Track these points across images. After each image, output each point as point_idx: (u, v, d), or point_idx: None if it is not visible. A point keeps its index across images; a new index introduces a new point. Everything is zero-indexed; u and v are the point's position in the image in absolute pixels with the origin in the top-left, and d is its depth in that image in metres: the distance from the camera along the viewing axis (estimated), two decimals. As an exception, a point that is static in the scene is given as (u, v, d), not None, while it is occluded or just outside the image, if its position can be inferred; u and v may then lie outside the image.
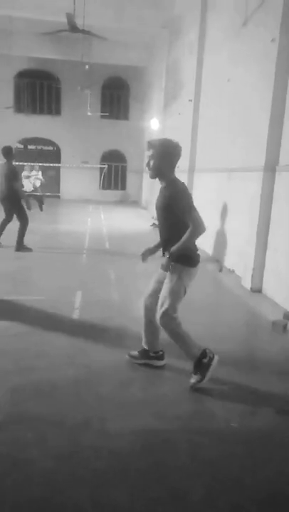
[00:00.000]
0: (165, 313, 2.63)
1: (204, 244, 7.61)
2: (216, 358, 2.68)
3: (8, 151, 6.54)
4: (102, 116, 18.29)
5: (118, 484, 1.81)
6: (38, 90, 19.02)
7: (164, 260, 2.65)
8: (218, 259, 6.62)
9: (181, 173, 9.43)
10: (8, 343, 3.20)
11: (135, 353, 2.96)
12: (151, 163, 2.64)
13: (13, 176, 6.47)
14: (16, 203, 6.62)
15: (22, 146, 19.16)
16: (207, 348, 2.72)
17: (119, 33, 13.85)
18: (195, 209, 2.55)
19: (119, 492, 1.77)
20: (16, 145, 19.04)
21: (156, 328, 2.84)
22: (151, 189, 14.67)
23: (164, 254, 2.74)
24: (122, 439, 2.12)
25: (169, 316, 2.64)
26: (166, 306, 2.63)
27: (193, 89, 8.60)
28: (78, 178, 18.91)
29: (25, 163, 13.75)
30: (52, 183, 17.90)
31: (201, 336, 3.54)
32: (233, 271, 5.94)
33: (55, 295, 4.46)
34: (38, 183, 13.02)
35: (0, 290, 4.50)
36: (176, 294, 2.65)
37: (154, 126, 13.51)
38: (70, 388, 2.58)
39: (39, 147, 19.30)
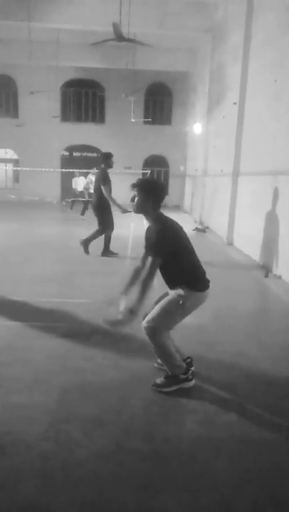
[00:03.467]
0: (149, 328, 2.55)
1: (249, 250, 7.46)
2: (192, 383, 2.67)
3: (103, 157, 6.64)
4: (145, 122, 18.49)
5: (164, 489, 1.81)
6: (84, 99, 19.59)
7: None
8: (264, 265, 6.45)
9: (224, 177, 9.36)
10: (56, 344, 3.29)
11: (161, 380, 2.71)
12: (136, 199, 2.61)
13: (102, 181, 6.50)
14: (101, 209, 6.66)
15: (68, 154, 19.78)
16: (191, 369, 2.70)
17: (163, 39, 13.99)
18: (159, 257, 2.49)
19: (166, 497, 1.76)
20: (62, 152, 19.73)
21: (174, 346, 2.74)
22: (193, 194, 14.60)
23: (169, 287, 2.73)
24: (168, 445, 2.12)
25: (153, 330, 2.55)
26: (152, 324, 2.54)
27: (238, 92, 8.48)
28: (121, 184, 19.17)
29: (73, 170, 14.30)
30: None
31: (243, 343, 3.48)
32: (280, 277, 5.76)
33: (100, 298, 4.54)
34: (90, 189, 13.35)
35: (47, 293, 4.65)
36: (169, 317, 2.59)
37: (197, 130, 13.45)
38: (115, 391, 2.62)
39: (84, 154, 19.84)
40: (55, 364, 2.93)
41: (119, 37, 9.30)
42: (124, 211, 6.40)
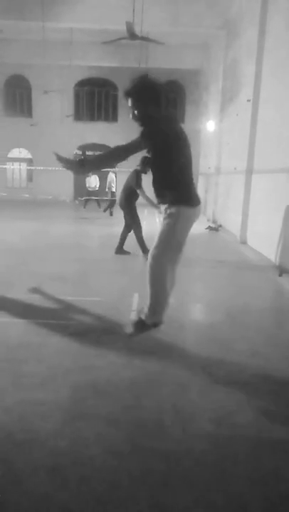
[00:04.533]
0: (153, 257, 2.48)
1: (263, 248, 7.38)
2: (156, 328, 2.61)
3: (143, 161, 6.50)
4: (158, 121, 18.44)
5: (179, 487, 1.80)
6: (97, 98, 19.66)
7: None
8: (278, 264, 6.38)
9: (238, 175, 9.28)
10: (68, 342, 3.31)
11: (131, 330, 2.71)
12: (136, 114, 2.33)
13: (137, 185, 6.48)
14: (129, 209, 6.68)
15: (81, 153, 19.89)
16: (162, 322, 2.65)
17: (176, 37, 13.93)
18: (143, 140, 2.24)
19: (181, 495, 1.76)
20: (74, 151, 19.84)
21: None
22: (206, 192, 14.51)
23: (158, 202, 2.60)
24: (180, 443, 2.11)
25: (156, 259, 2.47)
26: (155, 251, 2.46)
27: (252, 89, 8.40)
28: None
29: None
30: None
31: (258, 342, 3.44)
32: (294, 276, 5.69)
33: (113, 296, 4.56)
34: (112, 188, 13.41)
35: (61, 291, 4.68)
36: (168, 238, 2.47)
37: (210, 128, 13.36)
38: (127, 389, 2.62)
39: (96, 153, 19.90)
40: (68, 361, 2.94)
41: (132, 35, 9.30)
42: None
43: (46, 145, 19.02)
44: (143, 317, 2.64)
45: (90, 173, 14.46)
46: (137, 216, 6.75)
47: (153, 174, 2.53)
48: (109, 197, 13.24)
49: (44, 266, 5.96)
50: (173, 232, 2.46)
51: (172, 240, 2.49)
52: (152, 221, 6.54)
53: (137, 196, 6.59)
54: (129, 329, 2.65)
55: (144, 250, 6.58)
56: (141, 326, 2.62)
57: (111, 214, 12.83)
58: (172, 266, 2.61)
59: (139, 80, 2.34)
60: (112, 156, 2.38)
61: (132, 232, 6.82)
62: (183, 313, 4.23)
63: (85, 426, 2.22)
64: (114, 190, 13.47)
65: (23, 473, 1.87)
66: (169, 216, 2.48)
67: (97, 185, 14.36)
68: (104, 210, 13.11)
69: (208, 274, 5.94)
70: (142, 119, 2.35)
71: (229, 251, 7.97)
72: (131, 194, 6.58)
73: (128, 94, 2.36)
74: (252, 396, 2.59)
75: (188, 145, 2.53)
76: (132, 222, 6.74)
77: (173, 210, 2.45)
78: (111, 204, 13.10)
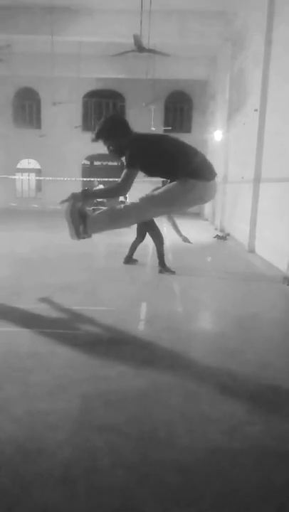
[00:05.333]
0: (144, 198, 2.49)
1: (272, 257, 7.34)
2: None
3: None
4: (165, 131, 18.59)
5: (188, 499, 1.78)
6: (104, 109, 19.90)
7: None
8: (287, 273, 6.33)
9: (245, 184, 9.27)
10: (77, 351, 3.31)
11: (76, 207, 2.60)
12: (111, 148, 2.47)
13: None
14: (150, 221, 6.32)
15: (89, 163, 20.08)
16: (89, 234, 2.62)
17: (182, 49, 14.11)
18: (133, 168, 2.34)
19: (190, 507, 1.74)
20: (83, 162, 20.04)
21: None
22: (213, 200, 14.51)
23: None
24: (190, 454, 2.09)
25: (144, 200, 2.47)
26: (150, 195, 2.48)
27: (258, 99, 8.44)
28: (141, 192, 19.32)
29: (93, 179, 14.62)
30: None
31: (268, 353, 3.41)
32: (303, 285, 5.64)
33: (121, 306, 4.56)
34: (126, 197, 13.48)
35: (68, 300, 4.70)
36: (168, 198, 2.48)
37: (218, 137, 13.43)
38: (137, 399, 2.60)
39: (104, 163, 20.10)
40: (77, 371, 2.94)
41: (140, 48, 9.44)
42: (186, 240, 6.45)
43: (55, 156, 19.31)
44: (90, 213, 2.57)
45: (96, 182, 14.59)
46: (157, 227, 6.48)
47: (161, 176, 2.64)
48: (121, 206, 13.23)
49: (53, 275, 5.98)
50: (177, 197, 2.50)
51: (171, 201, 2.53)
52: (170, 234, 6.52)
53: None
54: (74, 207, 2.56)
55: (161, 263, 6.34)
56: (81, 215, 2.56)
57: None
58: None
59: (102, 121, 2.53)
60: (116, 193, 2.50)
61: (142, 242, 6.75)
62: (192, 323, 4.22)
63: (94, 436, 2.21)
64: (127, 200, 13.46)
65: (31, 484, 1.86)
66: (183, 183, 2.47)
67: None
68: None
69: (216, 283, 5.91)
70: (119, 149, 2.51)
71: (237, 260, 7.94)
72: None
73: (98, 136, 2.52)
74: (263, 407, 2.56)
75: (170, 138, 2.62)
76: (153, 235, 6.44)
77: (189, 180, 2.48)
78: None
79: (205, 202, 2.63)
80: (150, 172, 2.55)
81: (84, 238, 2.63)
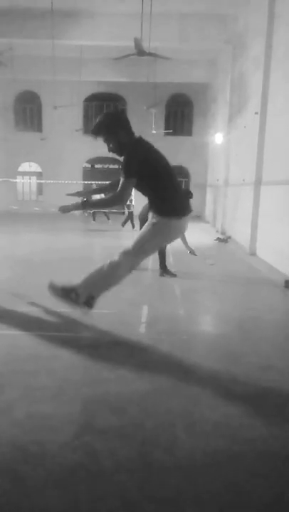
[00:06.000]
0: (126, 253, 2.54)
1: (273, 260, 7.34)
2: (83, 310, 2.68)
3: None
4: (166, 134, 18.63)
5: (190, 503, 1.77)
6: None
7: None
8: (287, 278, 6.32)
9: (246, 187, 9.29)
10: (79, 354, 3.30)
11: (60, 286, 2.69)
12: (111, 146, 2.45)
13: None
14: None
15: (89, 166, 20.12)
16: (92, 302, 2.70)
17: (183, 52, 14.16)
18: (129, 176, 2.33)
19: (192, 511, 1.73)
20: (84, 165, 20.09)
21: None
22: (215, 203, 14.53)
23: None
24: (192, 458, 2.08)
25: (128, 260, 2.55)
26: (131, 249, 2.52)
27: (259, 101, 8.46)
28: (142, 195, 19.33)
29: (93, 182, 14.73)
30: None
31: (270, 355, 3.40)
32: (305, 287, 5.63)
33: (123, 309, 4.55)
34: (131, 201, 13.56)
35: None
36: (147, 245, 2.53)
37: (218, 140, 13.45)
38: (138, 402, 2.59)
39: (105, 166, 20.13)
40: (78, 374, 2.93)
41: (141, 52, 9.47)
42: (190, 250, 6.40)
43: (56, 159, 19.35)
44: (76, 287, 2.60)
45: (94, 185, 14.70)
46: None
47: (142, 192, 2.60)
48: (126, 210, 12.96)
49: (55, 278, 5.97)
50: (153, 241, 2.55)
51: (149, 248, 2.58)
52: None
53: None
54: (60, 286, 2.62)
55: (162, 266, 6.34)
56: (68, 293, 2.60)
57: (133, 226, 12.41)
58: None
59: (102, 116, 2.50)
60: (115, 203, 2.51)
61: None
62: (193, 325, 4.22)
63: (95, 440, 2.20)
64: (132, 203, 13.29)
65: (32, 487, 1.85)
66: (154, 224, 2.52)
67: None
68: (123, 224, 12.95)
69: (217, 285, 5.90)
70: (119, 147, 2.48)
71: (238, 262, 7.93)
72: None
73: (97, 132, 2.49)
74: (264, 410, 2.55)
75: (163, 157, 2.61)
76: None
77: (159, 219, 2.51)
78: (130, 217, 12.82)
79: (182, 234, 2.68)
80: (140, 185, 2.49)
81: (88, 305, 2.66)
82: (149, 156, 2.47)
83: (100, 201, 2.51)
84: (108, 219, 14.41)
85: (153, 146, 2.59)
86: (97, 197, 2.63)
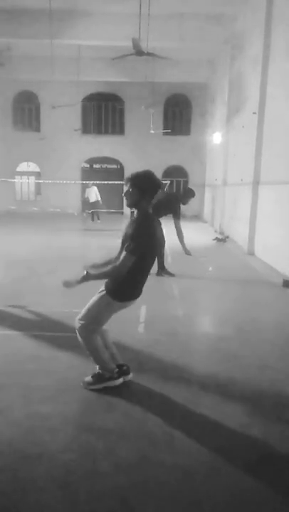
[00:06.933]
0: (80, 328, 2.68)
1: (271, 259, 7.35)
2: (118, 381, 2.73)
3: (187, 192, 6.46)
4: (164, 133, 18.62)
5: (188, 502, 1.78)
6: (104, 112, 19.94)
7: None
8: (286, 275, 6.34)
9: (244, 186, 9.31)
10: (77, 355, 3.31)
11: (89, 378, 2.80)
12: (130, 192, 2.58)
13: (177, 216, 6.22)
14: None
15: (88, 166, 20.10)
16: (121, 369, 2.76)
17: (181, 52, 14.15)
18: (134, 254, 2.47)
19: (190, 510, 1.74)
20: (82, 165, 20.06)
21: (107, 346, 2.84)
22: (213, 203, 14.54)
23: None
24: (191, 457, 2.09)
25: (83, 330, 2.67)
26: (83, 321, 2.68)
27: (257, 101, 8.47)
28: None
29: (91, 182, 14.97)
30: (116, 199, 18.41)
31: (269, 356, 3.41)
32: (302, 287, 5.65)
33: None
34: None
35: (70, 304, 4.69)
36: (95, 315, 2.68)
37: (217, 140, 13.46)
38: (137, 403, 2.61)
39: (104, 166, 20.11)
40: (77, 375, 2.94)
41: (139, 51, 9.45)
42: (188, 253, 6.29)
43: (54, 159, 19.32)
44: (100, 370, 2.74)
45: (90, 185, 14.88)
46: (159, 230, 6.29)
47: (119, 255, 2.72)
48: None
49: (53, 278, 5.98)
50: (98, 311, 2.72)
51: (97, 316, 2.73)
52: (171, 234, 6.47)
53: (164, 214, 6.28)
54: (88, 379, 2.73)
55: (161, 266, 6.33)
56: (99, 377, 2.71)
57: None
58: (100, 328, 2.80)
59: (145, 172, 2.63)
60: (116, 276, 2.62)
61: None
62: (192, 326, 4.23)
63: (94, 439, 2.21)
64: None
65: (31, 487, 1.86)
66: (100, 297, 2.70)
67: (98, 198, 14.67)
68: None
69: (215, 285, 5.92)
70: (135, 203, 2.63)
71: (236, 262, 7.95)
72: (161, 212, 6.16)
73: (132, 180, 2.60)
74: (263, 410, 2.57)
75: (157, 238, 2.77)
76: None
77: (105, 295, 2.68)
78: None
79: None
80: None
81: (119, 374, 2.80)
82: (154, 234, 2.66)
83: (101, 274, 2.67)
84: (98, 219, 14.84)
85: (156, 229, 2.77)
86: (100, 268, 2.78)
